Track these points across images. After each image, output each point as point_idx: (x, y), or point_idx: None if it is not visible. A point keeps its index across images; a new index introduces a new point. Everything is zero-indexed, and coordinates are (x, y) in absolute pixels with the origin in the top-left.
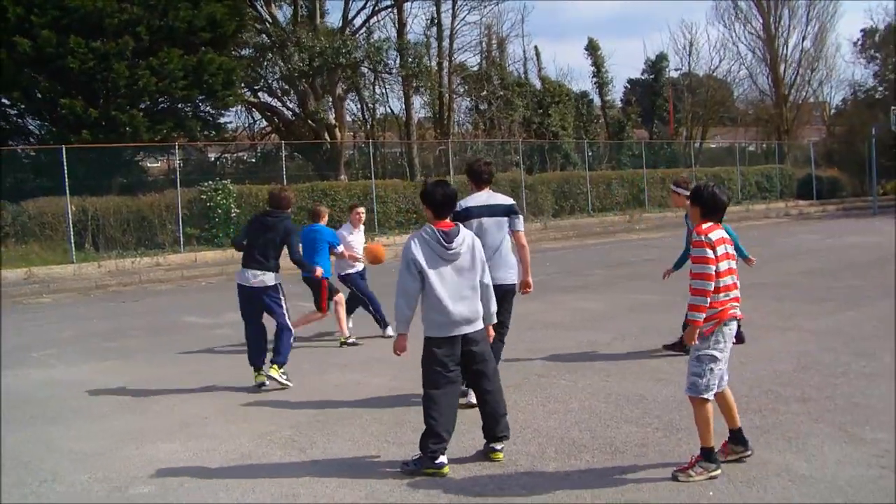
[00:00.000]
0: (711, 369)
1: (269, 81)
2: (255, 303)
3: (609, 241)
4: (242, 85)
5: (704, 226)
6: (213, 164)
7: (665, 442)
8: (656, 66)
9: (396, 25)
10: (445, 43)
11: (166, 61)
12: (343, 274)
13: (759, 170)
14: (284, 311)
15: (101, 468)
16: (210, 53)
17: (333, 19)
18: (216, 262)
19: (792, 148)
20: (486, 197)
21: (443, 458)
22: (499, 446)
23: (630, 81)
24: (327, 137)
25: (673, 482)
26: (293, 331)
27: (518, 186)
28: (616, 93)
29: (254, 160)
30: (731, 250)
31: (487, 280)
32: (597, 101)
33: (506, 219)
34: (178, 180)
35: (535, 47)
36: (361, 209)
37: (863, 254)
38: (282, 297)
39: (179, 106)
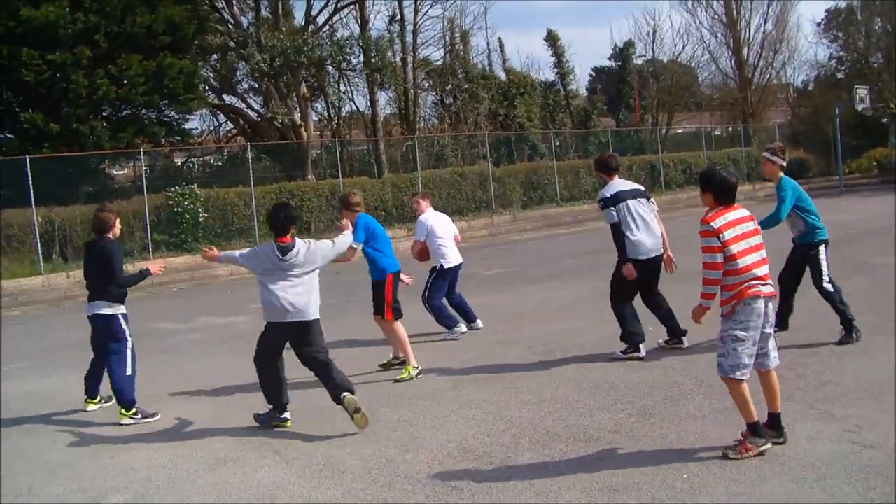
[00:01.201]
0: (735, 349)
1: (233, 83)
2: (94, 333)
3: (578, 230)
4: (206, 88)
5: (711, 212)
6: (180, 169)
7: (638, 427)
8: (624, 53)
9: (359, 22)
10: (409, 38)
11: (125, 68)
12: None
13: (726, 153)
14: (119, 347)
15: (77, 479)
16: (170, 57)
17: (297, 19)
18: (186, 268)
19: (757, 130)
20: (624, 183)
21: (287, 414)
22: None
23: (596, 69)
24: (293, 137)
25: (649, 467)
26: (128, 368)
27: (486, 179)
28: (582, 81)
29: (220, 163)
30: (748, 229)
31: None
32: (562, 90)
33: (646, 199)
34: (145, 186)
35: (499, 39)
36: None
37: (830, 232)
38: (119, 331)
39: (142, 112)
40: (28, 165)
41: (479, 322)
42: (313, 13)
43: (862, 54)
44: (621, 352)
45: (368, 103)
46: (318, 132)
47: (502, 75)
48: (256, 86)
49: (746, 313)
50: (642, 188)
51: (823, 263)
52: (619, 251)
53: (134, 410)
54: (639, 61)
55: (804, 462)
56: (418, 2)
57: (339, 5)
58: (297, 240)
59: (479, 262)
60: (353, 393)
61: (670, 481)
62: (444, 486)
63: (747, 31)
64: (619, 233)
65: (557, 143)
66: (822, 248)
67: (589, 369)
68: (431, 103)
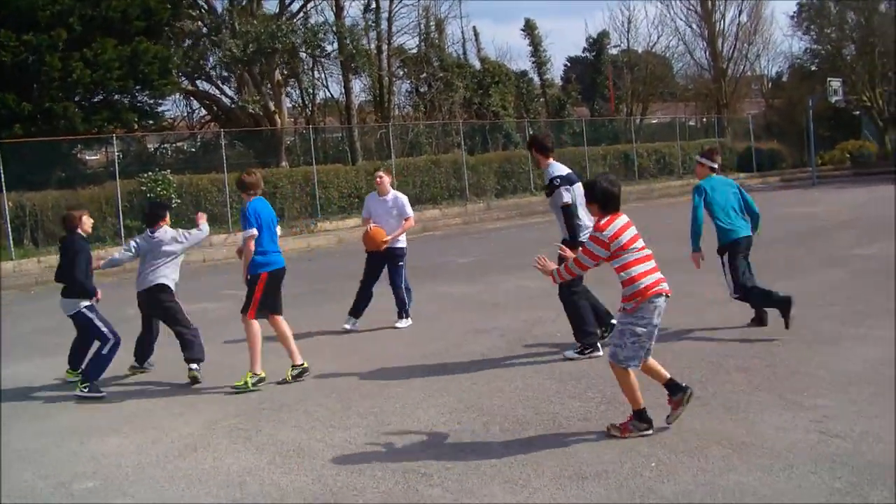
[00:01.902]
0: (634, 343)
1: (207, 69)
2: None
3: (552, 219)
4: (179, 73)
5: (603, 220)
6: (153, 155)
7: (607, 415)
8: (598, 43)
9: (334, 9)
10: (384, 25)
11: (100, 52)
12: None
13: (700, 144)
14: (96, 330)
15: (46, 465)
16: (145, 42)
17: (271, 5)
18: None
19: (731, 121)
20: (561, 165)
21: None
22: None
23: (570, 59)
24: (267, 124)
25: (617, 454)
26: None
27: (460, 167)
28: (556, 71)
29: (193, 149)
30: (634, 233)
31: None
32: (536, 80)
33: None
34: (118, 172)
35: (474, 28)
36: (380, 172)
37: (802, 224)
38: (91, 318)
39: (116, 97)
40: None
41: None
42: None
43: (835, 46)
44: (577, 352)
45: (343, 90)
46: (292, 119)
47: (477, 64)
48: (229, 72)
49: (648, 311)
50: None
51: (725, 268)
52: (571, 234)
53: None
54: (614, 51)
55: (771, 451)
56: None
57: None
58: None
59: (453, 250)
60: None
61: (639, 469)
62: (414, 473)
63: (722, 22)
64: (572, 214)
65: (532, 132)
66: (726, 253)
67: (559, 358)
68: (406, 91)
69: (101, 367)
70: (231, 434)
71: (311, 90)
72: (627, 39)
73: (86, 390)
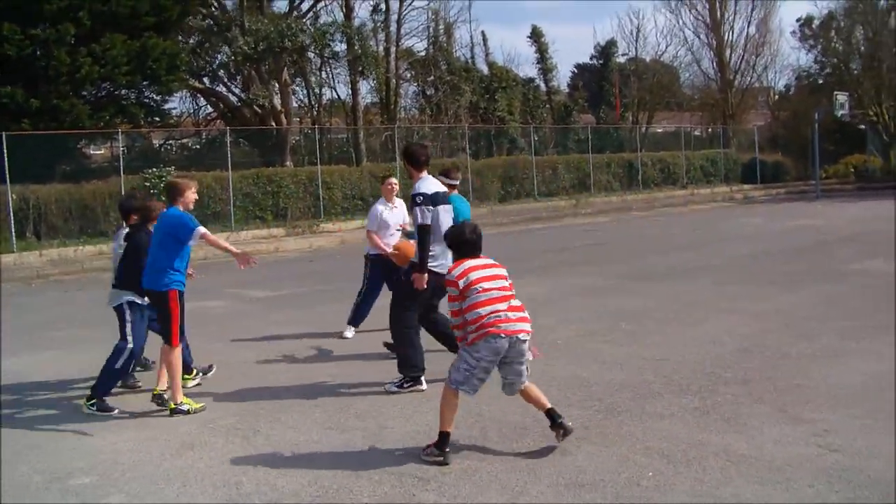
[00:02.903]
0: (465, 369)
1: (215, 67)
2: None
3: (555, 225)
4: (187, 70)
5: (454, 263)
6: (157, 151)
7: (607, 424)
8: (606, 51)
9: (343, 10)
10: (392, 28)
11: (109, 47)
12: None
13: (705, 154)
14: (123, 331)
15: (42, 459)
16: (154, 38)
17: (281, 5)
18: None
19: (737, 132)
20: (434, 182)
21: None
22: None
23: (578, 66)
24: (273, 123)
25: (615, 464)
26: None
27: (464, 171)
28: (563, 78)
29: (198, 146)
30: (488, 273)
31: None
32: (542, 87)
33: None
34: (122, 167)
35: (483, 32)
36: (393, 179)
37: (805, 237)
38: (127, 316)
39: (123, 92)
40: (4, 142)
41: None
42: None
43: (842, 60)
44: (397, 385)
45: (349, 91)
46: (298, 119)
47: (485, 69)
48: (238, 70)
49: (485, 348)
50: (446, 191)
51: None
52: (421, 257)
53: (91, 403)
54: (621, 59)
55: (770, 464)
56: None
57: None
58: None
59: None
60: None
61: (636, 479)
62: (411, 477)
63: (730, 33)
64: (426, 237)
65: (537, 139)
66: None
67: (561, 365)
68: (413, 94)
69: (112, 380)
70: (228, 434)
71: (317, 90)
72: (636, 48)
73: (93, 408)
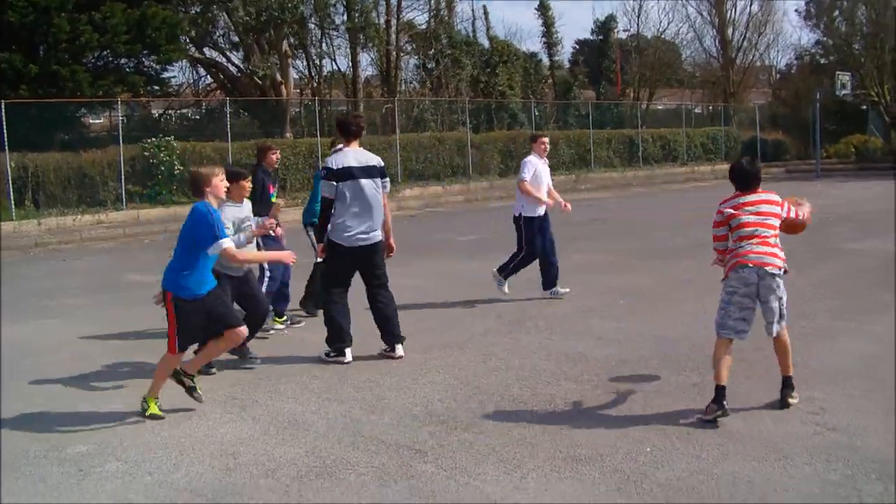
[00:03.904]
0: (722, 309)
1: (215, 36)
2: None
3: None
4: (187, 40)
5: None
6: (157, 121)
7: (604, 399)
8: (605, 27)
9: None
10: (393, 1)
11: (109, 15)
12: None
13: (705, 132)
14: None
15: (39, 428)
16: (154, 7)
17: None
18: (159, 220)
19: (738, 111)
20: (358, 155)
21: None
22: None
23: (578, 42)
24: (273, 94)
25: (613, 438)
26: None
27: (464, 145)
28: (564, 53)
29: (198, 117)
30: (761, 210)
31: None
32: (545, 61)
33: (381, 180)
34: (121, 137)
35: (484, 6)
36: (545, 138)
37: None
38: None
39: (122, 61)
40: (3, 109)
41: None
42: None
43: (845, 40)
44: (325, 354)
45: (350, 64)
46: (298, 90)
47: (486, 43)
48: (238, 40)
49: (735, 279)
50: (378, 164)
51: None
52: (319, 230)
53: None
54: (623, 35)
55: (767, 442)
56: None
57: None
58: None
59: (454, 228)
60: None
61: (633, 454)
62: (408, 450)
63: (733, 11)
64: (328, 211)
65: (537, 114)
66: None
67: (558, 340)
68: (413, 67)
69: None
70: (226, 404)
71: (318, 62)
72: (637, 24)
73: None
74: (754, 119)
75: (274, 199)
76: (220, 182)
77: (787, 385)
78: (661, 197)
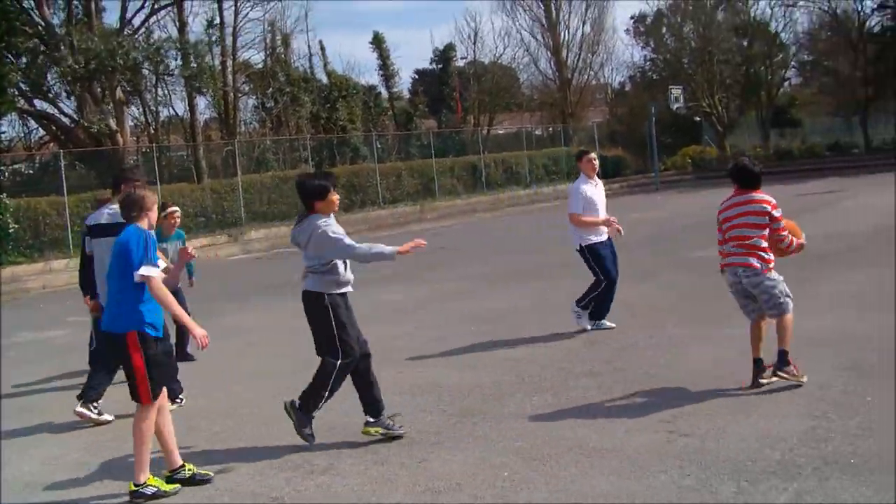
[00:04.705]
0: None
1: (45, 87)
2: None
3: (401, 231)
4: (15, 92)
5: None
6: None
7: (460, 427)
8: (444, 55)
9: (177, 24)
10: (228, 41)
11: None
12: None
13: (546, 153)
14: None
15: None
16: None
17: (111, 19)
18: None
19: (577, 130)
20: (109, 213)
21: None
22: None
23: (418, 72)
24: (109, 143)
25: (470, 466)
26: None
27: None
28: (404, 84)
29: (31, 171)
30: (744, 209)
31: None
32: (384, 93)
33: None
34: None
35: (321, 42)
36: (593, 154)
37: (647, 228)
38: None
39: None
40: None
41: None
42: (129, 15)
43: (675, 56)
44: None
45: (187, 108)
46: (135, 138)
47: (324, 78)
48: (69, 90)
49: (726, 280)
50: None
51: None
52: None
53: None
54: (460, 63)
55: (622, 454)
56: (238, 4)
57: (155, 7)
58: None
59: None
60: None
61: (492, 480)
62: (265, 498)
63: (566, 32)
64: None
65: (379, 146)
66: None
67: (412, 372)
68: (252, 107)
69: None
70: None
71: (154, 108)
72: (474, 51)
73: None
74: (593, 137)
75: None
76: (155, 210)
77: (779, 359)
78: (507, 220)
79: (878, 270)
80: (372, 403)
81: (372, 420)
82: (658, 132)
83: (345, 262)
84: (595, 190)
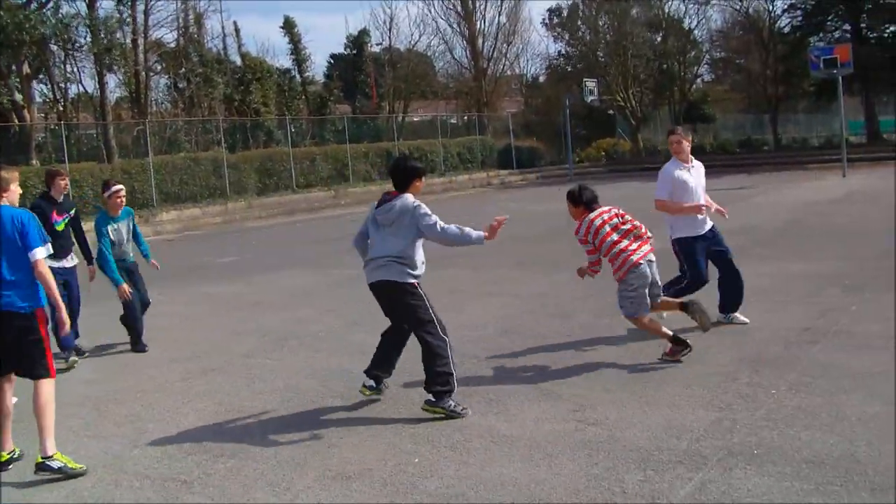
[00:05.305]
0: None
1: None
2: None
3: (315, 216)
4: None
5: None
6: None
7: (370, 413)
8: (358, 41)
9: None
10: (140, 18)
11: None
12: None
13: (461, 142)
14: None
15: None
16: None
17: None
18: None
19: (492, 119)
20: None
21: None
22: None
23: (333, 56)
24: (15, 120)
25: (381, 452)
26: None
27: (220, 165)
28: (319, 68)
29: None
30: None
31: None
32: (298, 77)
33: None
34: None
35: (235, 23)
36: (676, 133)
37: (563, 220)
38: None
39: None
40: None
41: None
42: None
43: (590, 49)
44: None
45: (97, 85)
46: (43, 114)
47: (238, 60)
48: None
49: (635, 277)
50: None
51: None
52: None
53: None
54: (376, 49)
55: (531, 442)
56: None
57: None
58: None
59: (213, 250)
60: None
61: (402, 466)
62: (174, 481)
63: (482, 22)
64: None
65: (293, 130)
66: None
67: (322, 357)
68: (164, 87)
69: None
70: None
71: (62, 84)
72: (389, 38)
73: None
74: (508, 127)
75: (60, 228)
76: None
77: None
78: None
79: (786, 265)
80: (385, 367)
81: (374, 384)
82: (572, 124)
83: (422, 248)
84: (688, 174)
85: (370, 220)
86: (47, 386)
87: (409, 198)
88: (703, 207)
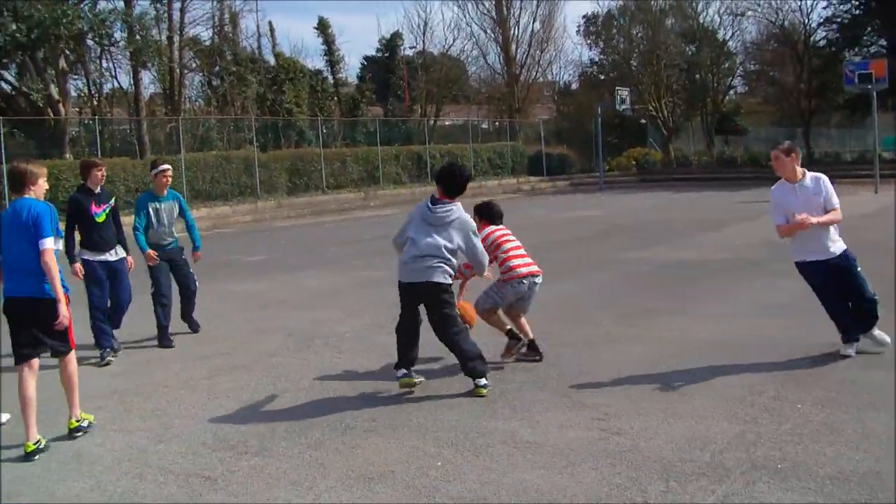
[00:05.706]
0: (493, 300)
1: None
2: None
3: (344, 218)
4: None
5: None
6: None
7: (395, 415)
8: (391, 44)
9: None
10: (176, 15)
11: None
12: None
13: (492, 147)
14: None
15: None
16: None
17: None
18: None
19: (523, 126)
20: None
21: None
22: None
23: (367, 58)
24: (50, 113)
25: (404, 455)
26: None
27: (251, 164)
28: (352, 70)
29: None
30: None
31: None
32: (330, 78)
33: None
34: None
35: (270, 23)
36: (778, 150)
37: (590, 228)
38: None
39: None
40: None
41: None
42: None
43: (623, 58)
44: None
45: (132, 81)
46: (78, 109)
47: (272, 60)
48: (10, 58)
49: (511, 290)
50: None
51: None
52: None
53: None
54: (409, 52)
55: (554, 449)
56: None
57: None
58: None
59: (242, 248)
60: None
61: (425, 469)
62: (198, 478)
63: (516, 28)
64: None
65: (325, 131)
66: None
67: (347, 358)
68: (198, 84)
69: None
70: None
71: (98, 80)
72: (423, 41)
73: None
74: (539, 134)
75: (100, 220)
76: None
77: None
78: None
79: None
80: (412, 354)
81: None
82: (604, 132)
83: None
84: (794, 195)
85: (417, 218)
86: (71, 358)
87: (466, 215)
88: (806, 223)
